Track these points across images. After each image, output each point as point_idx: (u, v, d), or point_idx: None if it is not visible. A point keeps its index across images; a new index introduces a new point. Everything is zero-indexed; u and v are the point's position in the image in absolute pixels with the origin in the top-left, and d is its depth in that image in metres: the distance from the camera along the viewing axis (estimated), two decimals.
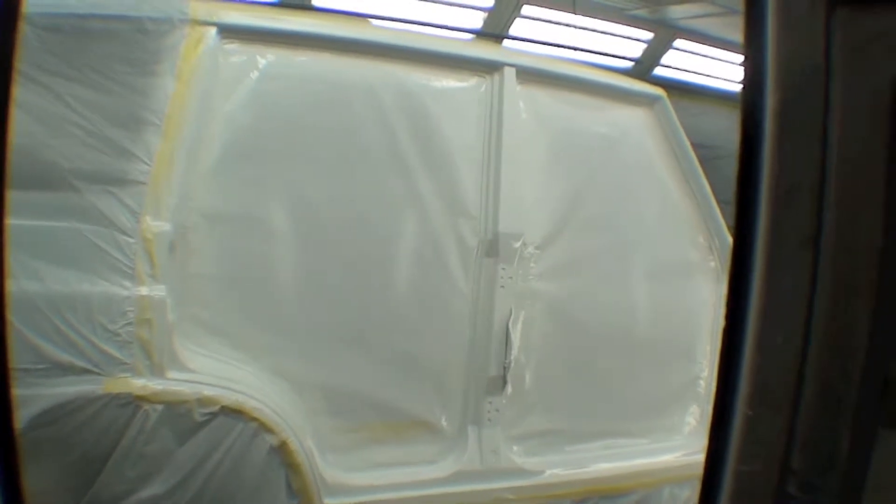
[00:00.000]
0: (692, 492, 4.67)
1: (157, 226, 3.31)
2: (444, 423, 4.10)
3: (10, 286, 1.95)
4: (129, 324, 3.19)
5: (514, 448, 4.27)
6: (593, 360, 4.50)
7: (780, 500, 1.44)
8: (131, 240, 3.24)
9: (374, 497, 3.85)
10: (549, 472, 4.30)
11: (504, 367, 4.13)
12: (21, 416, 2.88)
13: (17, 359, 1.90)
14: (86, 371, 3.13)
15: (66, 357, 3.11)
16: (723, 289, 4.64)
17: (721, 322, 1.52)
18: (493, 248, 4.14)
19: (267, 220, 3.69)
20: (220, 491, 3.37)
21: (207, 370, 3.42)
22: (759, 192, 1.34)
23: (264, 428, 3.43)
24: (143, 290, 3.23)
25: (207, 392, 3.32)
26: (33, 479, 1.93)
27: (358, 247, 3.88)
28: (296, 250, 3.73)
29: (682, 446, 4.81)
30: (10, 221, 1.63)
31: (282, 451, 3.50)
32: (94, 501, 3.20)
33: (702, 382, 4.97)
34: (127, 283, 3.20)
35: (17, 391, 1.79)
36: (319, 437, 3.76)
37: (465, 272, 4.08)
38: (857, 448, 1.42)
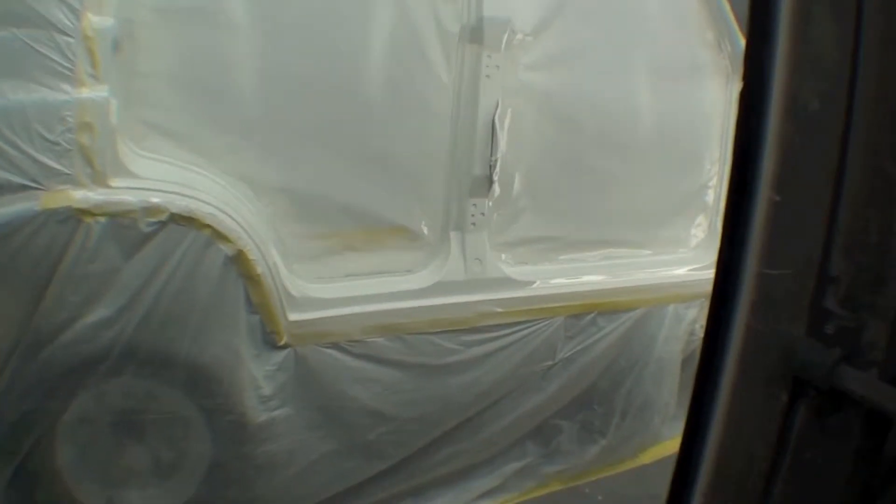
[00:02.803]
0: (699, 311, 4.65)
1: (99, 21, 3.00)
2: (423, 228, 3.89)
3: None
4: (69, 130, 2.94)
5: (502, 256, 4.09)
6: (591, 162, 4.27)
7: (817, 317, 1.09)
8: (71, 39, 2.93)
9: (345, 311, 3.66)
10: (540, 282, 4.13)
11: (490, 167, 3.87)
12: None
13: None
14: (23, 187, 2.91)
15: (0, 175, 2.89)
16: (734, 90, 4.51)
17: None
18: (476, 34, 3.80)
19: (224, 11, 3.36)
20: (173, 309, 3.19)
21: (158, 175, 3.19)
22: None
23: (218, 237, 3.21)
24: (84, 93, 2.97)
25: (154, 199, 3.09)
26: None
27: (326, 36, 3.56)
28: (257, 42, 3.43)
29: (688, 260, 4.67)
30: None
31: (239, 262, 3.28)
32: (36, 333, 3.03)
33: (710, 192, 4.77)
34: (66, 87, 2.93)
35: None
36: (285, 245, 3.57)
37: (446, 61, 3.75)
38: None
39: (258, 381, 3.48)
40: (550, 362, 4.23)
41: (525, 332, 4.09)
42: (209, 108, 3.37)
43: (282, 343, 3.50)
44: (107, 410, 3.34)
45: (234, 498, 3.63)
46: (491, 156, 3.83)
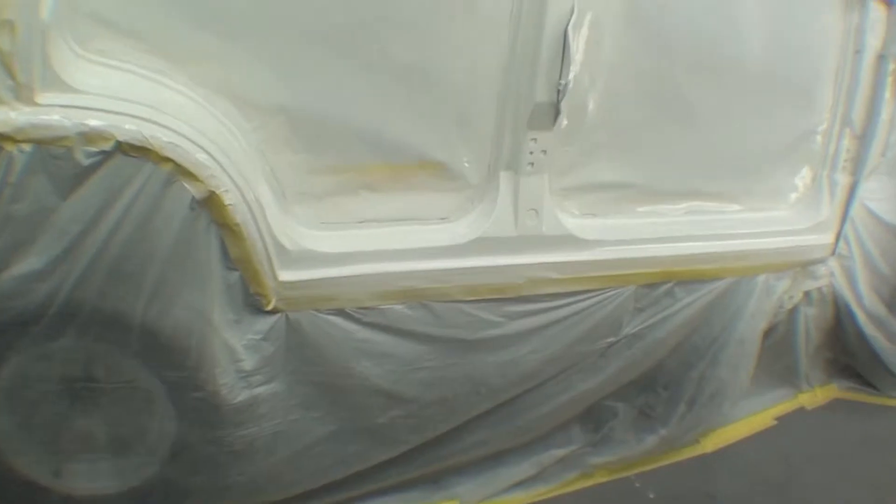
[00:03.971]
0: (792, 282, 4.09)
1: None
2: (465, 165, 3.11)
3: None
4: None
5: (565, 204, 3.31)
6: (682, 91, 3.45)
7: None
8: None
9: (355, 269, 2.95)
10: (609, 242, 3.37)
11: (558, 91, 3.03)
12: None
13: None
14: None
15: None
16: (855, 18, 3.85)
17: None
18: None
19: None
20: (122, 261, 2.53)
21: (106, 89, 2.50)
22: None
23: (182, 173, 2.49)
24: None
25: (94, 123, 2.41)
26: None
27: None
28: None
29: (784, 220, 3.94)
30: None
31: (211, 207, 2.56)
32: None
33: (819, 138, 4.00)
34: None
35: None
36: (281, 182, 2.84)
37: None
38: None
39: (237, 352, 2.85)
40: (613, 339, 3.56)
41: (586, 302, 3.40)
42: None
43: (269, 308, 2.84)
44: (48, 377, 2.81)
45: (204, 484, 3.04)
46: (560, 77, 3.00)
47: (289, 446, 3.11)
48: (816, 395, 4.63)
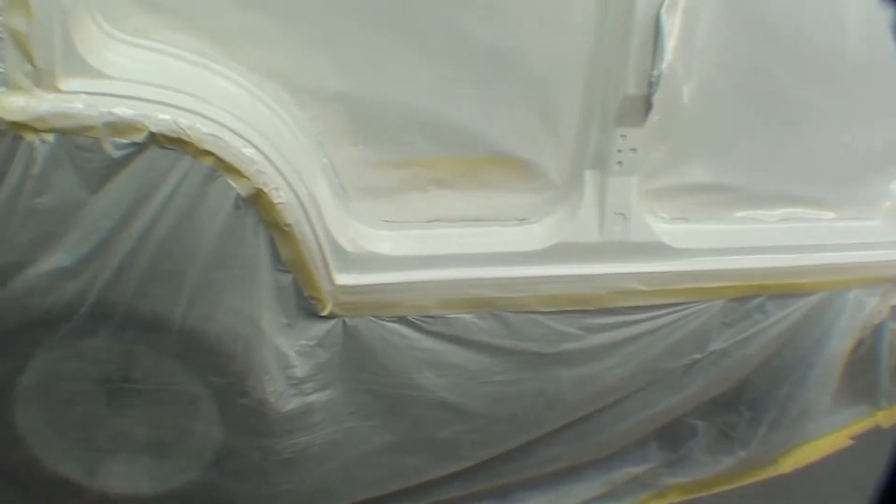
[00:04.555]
0: (882, 299, 3.65)
1: None
2: (545, 163, 2.72)
3: None
4: None
5: (654, 207, 2.93)
6: (784, 86, 3.00)
7: None
8: None
9: (421, 275, 2.61)
10: (701, 255, 2.97)
11: (650, 83, 2.64)
12: None
13: None
14: None
15: None
16: None
17: None
18: None
19: None
20: (161, 261, 2.27)
21: (140, 73, 2.22)
22: None
23: (225, 168, 2.20)
24: None
25: (121, 112, 2.13)
26: None
27: None
28: None
29: (877, 231, 3.48)
30: None
31: (259, 206, 2.27)
32: None
33: None
34: None
35: None
36: (341, 177, 2.55)
37: None
38: None
39: (289, 358, 2.56)
40: (698, 355, 3.17)
41: (672, 316, 3.00)
42: None
43: (325, 313, 2.55)
44: (82, 376, 2.55)
45: (250, 491, 2.79)
46: (652, 67, 2.61)
47: (343, 456, 2.84)
48: (894, 413, 4.20)
